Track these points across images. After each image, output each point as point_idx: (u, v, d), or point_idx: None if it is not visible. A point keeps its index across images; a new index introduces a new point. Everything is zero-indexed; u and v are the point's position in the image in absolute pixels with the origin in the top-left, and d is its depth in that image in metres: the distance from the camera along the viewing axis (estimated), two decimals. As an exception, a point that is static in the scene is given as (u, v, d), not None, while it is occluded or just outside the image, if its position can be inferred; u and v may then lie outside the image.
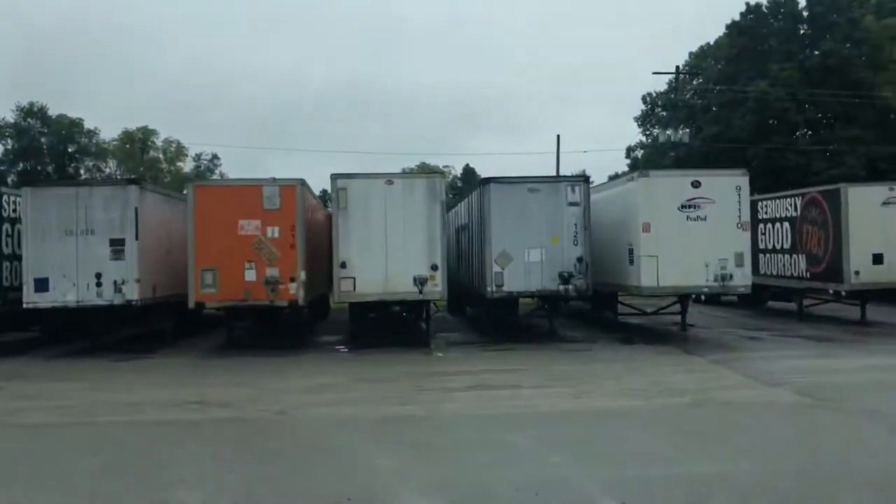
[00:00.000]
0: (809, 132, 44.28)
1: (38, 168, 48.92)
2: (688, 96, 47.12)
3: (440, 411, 10.97)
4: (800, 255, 21.80)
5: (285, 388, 12.77)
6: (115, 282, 16.52)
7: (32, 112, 49.51)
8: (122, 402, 11.86)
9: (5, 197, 18.24)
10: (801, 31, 45.05)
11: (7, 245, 17.94)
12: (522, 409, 10.87)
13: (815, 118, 43.97)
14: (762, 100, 40.83)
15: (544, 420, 10.25)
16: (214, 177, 52.97)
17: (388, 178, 17.25)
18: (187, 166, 56.37)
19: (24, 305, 16.57)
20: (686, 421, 10.05)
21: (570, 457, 8.25)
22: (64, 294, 16.47)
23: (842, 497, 6.81)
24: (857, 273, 19.40)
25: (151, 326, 18.78)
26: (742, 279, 17.41)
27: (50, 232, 16.50)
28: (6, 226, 17.98)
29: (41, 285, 16.41)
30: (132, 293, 16.57)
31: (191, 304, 16.61)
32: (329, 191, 17.99)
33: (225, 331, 18.62)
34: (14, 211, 18.09)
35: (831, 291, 21.11)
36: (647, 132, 51.97)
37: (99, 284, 16.49)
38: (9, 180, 44.38)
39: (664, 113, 49.67)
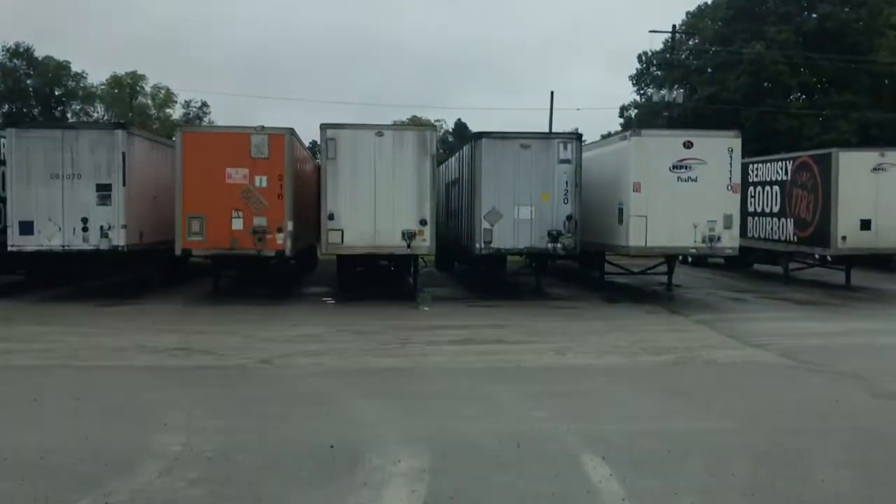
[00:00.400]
0: (803, 96, 44.18)
1: (24, 110, 48.20)
2: (683, 56, 46.84)
3: (425, 364, 11.02)
4: (788, 219, 21.87)
5: (271, 338, 12.79)
6: (101, 227, 16.44)
7: (18, 53, 48.59)
8: (107, 347, 11.88)
9: (-10, 138, 18.02)
10: (800, -7, 44.67)
11: (-9, 187, 17.77)
12: (506, 364, 10.94)
13: (809, 82, 43.85)
14: (757, 62, 40.64)
15: (528, 375, 10.34)
16: (204, 124, 52.42)
17: (379, 130, 17.10)
18: (176, 113, 55.80)
19: (9, 248, 16.49)
20: (668, 379, 10.14)
21: (553, 411, 8.31)
22: (49, 238, 16.39)
23: (820, 456, 6.91)
24: (844, 238, 19.49)
25: (138, 273, 18.76)
26: (730, 241, 17.49)
27: (35, 175, 16.35)
28: (-9, 168, 17.79)
29: (26, 228, 16.32)
30: (118, 239, 16.51)
31: (178, 252, 16.58)
32: (318, 141, 17.84)
33: (212, 279, 18.61)
34: (-1, 153, 17.89)
35: (817, 256, 21.25)
36: (642, 91, 51.70)
37: (85, 229, 16.41)
38: (-6, 122, 43.80)
39: (659, 72, 49.36)
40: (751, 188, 23.71)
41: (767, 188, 23.16)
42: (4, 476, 6.14)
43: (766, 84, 42.07)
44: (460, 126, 67.02)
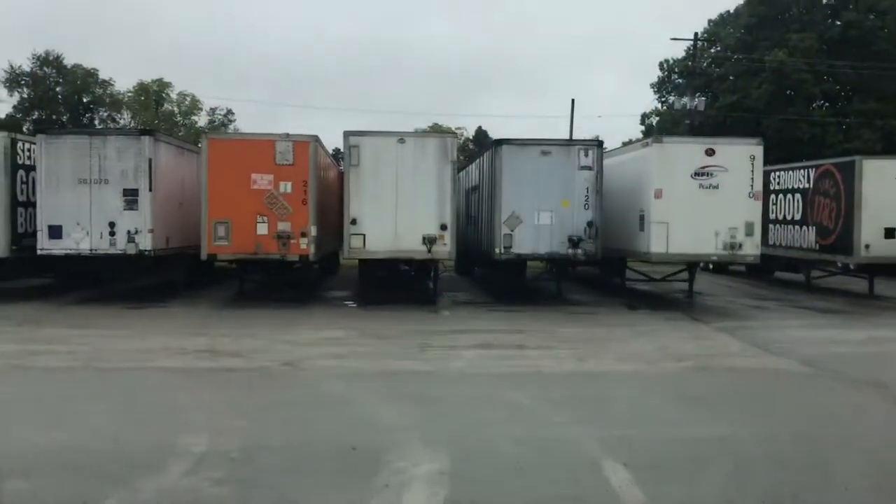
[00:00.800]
0: (826, 104, 43.84)
1: (53, 117, 48.77)
2: (705, 64, 46.63)
3: (445, 368, 11.07)
4: (810, 227, 21.74)
5: (294, 341, 12.91)
6: (128, 231, 16.69)
7: (48, 61, 49.24)
8: (133, 349, 12.03)
9: (20, 144, 18.34)
10: (824, 1, 44.40)
11: (21, 192, 18.07)
12: (527, 370, 10.97)
13: (832, 90, 43.52)
14: (780, 70, 40.40)
15: (548, 381, 10.36)
16: (229, 131, 52.76)
17: (401, 137, 17.23)
18: (201, 120, 56.18)
19: (38, 252, 16.78)
20: (689, 386, 10.12)
21: (573, 417, 8.34)
22: (77, 242, 16.67)
23: (842, 464, 6.88)
24: (867, 246, 19.36)
25: (164, 276, 19.01)
26: (751, 249, 17.42)
27: (64, 180, 16.66)
28: (21, 173, 18.10)
29: (55, 233, 16.61)
30: (145, 243, 16.74)
31: (203, 256, 16.78)
32: (341, 148, 18.01)
33: (237, 283, 18.80)
34: (29, 158, 18.19)
35: (840, 264, 21.09)
36: (663, 99, 51.53)
37: (112, 234, 16.68)
38: (24, 129, 44.42)
39: (680, 80, 49.17)
40: (772, 196, 23.60)
41: (789, 196, 23.04)
42: (34, 474, 6.26)
43: (788, 92, 41.81)
44: (481, 133, 66.97)
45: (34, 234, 16.94)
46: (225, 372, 10.55)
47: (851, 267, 20.71)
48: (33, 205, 17.25)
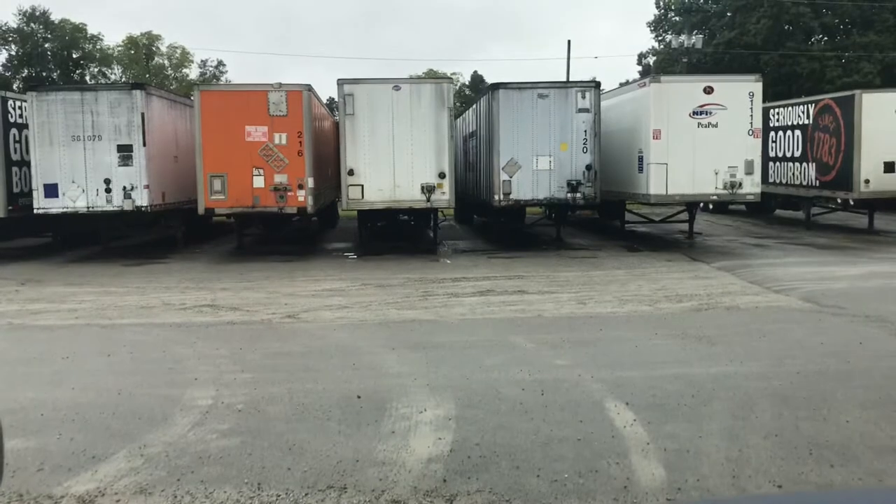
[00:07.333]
0: (825, 38, 43.31)
1: (44, 74, 48.24)
2: (702, 1, 45.93)
3: (447, 315, 11.09)
4: (810, 164, 21.63)
5: (295, 293, 12.93)
6: (124, 188, 16.62)
7: (34, 17, 48.52)
8: (135, 306, 12.05)
9: (10, 102, 18.13)
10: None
11: (15, 151, 17.94)
12: (528, 314, 11.00)
13: (831, 23, 42.94)
14: (778, 4, 39.81)
15: (550, 324, 10.39)
16: (221, 82, 52.18)
17: (396, 84, 17.02)
18: (193, 73, 55.58)
19: (35, 211, 16.73)
20: (691, 325, 10.14)
21: (575, 359, 8.37)
22: (74, 200, 16.60)
23: (844, 398, 6.93)
24: (867, 181, 19.28)
25: (162, 232, 18.98)
26: (751, 187, 17.36)
27: (57, 137, 16.54)
28: (13, 131, 17.94)
29: (51, 191, 16.54)
30: (141, 199, 16.68)
31: (200, 211, 16.73)
32: (336, 98, 17.81)
33: (235, 237, 18.77)
34: (21, 116, 18.02)
35: (840, 200, 21.05)
36: (660, 38, 50.88)
37: (108, 190, 16.61)
38: (14, 87, 43.96)
39: (677, 18, 48.49)
40: (772, 133, 23.44)
41: (789, 133, 22.87)
42: (42, 430, 6.30)
43: (786, 27, 41.26)
44: (477, 78, 66.20)
45: (30, 193, 16.87)
46: (227, 326, 10.57)
47: (851, 202, 20.68)
48: (28, 164, 17.15)
